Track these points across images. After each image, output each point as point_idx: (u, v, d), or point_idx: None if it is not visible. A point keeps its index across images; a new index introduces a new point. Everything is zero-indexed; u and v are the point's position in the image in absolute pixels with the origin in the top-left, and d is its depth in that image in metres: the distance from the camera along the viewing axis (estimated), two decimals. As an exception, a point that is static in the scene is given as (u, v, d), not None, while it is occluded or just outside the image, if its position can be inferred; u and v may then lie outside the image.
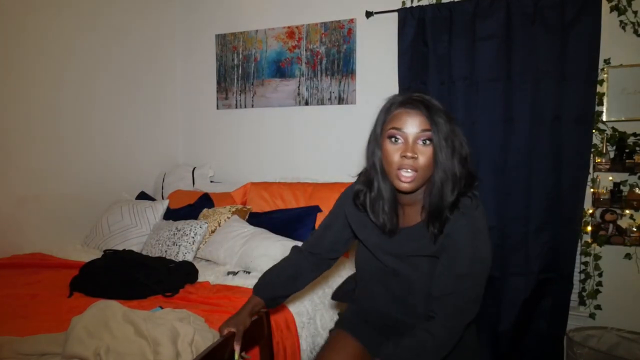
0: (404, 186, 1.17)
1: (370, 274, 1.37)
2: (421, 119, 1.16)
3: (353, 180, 1.40)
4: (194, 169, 3.30)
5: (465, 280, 1.17)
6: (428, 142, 1.16)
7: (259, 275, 1.77)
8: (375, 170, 1.25)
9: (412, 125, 1.16)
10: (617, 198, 2.31)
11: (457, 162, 1.17)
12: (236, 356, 1.28)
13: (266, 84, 3.17)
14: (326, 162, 2.99)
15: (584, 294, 2.44)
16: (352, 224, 1.38)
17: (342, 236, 1.44)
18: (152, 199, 3.04)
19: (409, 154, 1.15)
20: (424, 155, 1.16)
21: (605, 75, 2.31)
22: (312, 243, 1.49)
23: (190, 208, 2.83)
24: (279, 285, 1.45)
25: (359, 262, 1.41)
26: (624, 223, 2.34)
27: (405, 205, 1.28)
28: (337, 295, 1.61)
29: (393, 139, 1.18)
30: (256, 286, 1.45)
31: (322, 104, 2.99)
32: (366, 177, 1.29)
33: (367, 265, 1.37)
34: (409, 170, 1.15)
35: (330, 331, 1.50)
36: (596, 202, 2.37)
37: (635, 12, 2.24)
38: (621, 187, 2.31)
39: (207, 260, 2.48)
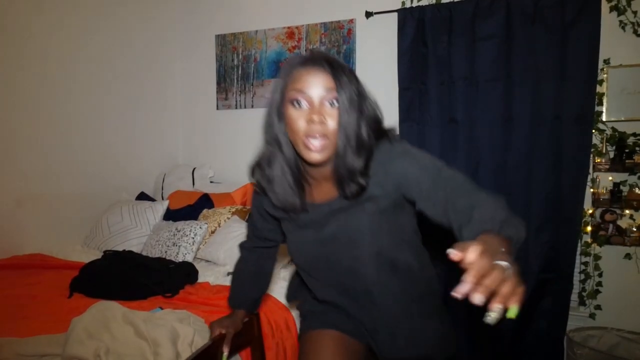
0: (314, 157, 1.02)
1: (308, 263, 1.23)
2: (326, 77, 1.02)
3: None
4: (194, 169, 3.30)
5: (449, 177, 0.98)
6: (336, 103, 1.01)
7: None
8: (276, 144, 1.09)
9: (316, 85, 1.01)
10: (616, 198, 2.30)
11: (364, 124, 1.03)
12: (223, 359, 1.28)
13: (266, 84, 3.17)
14: (326, 162, 2.98)
15: (584, 294, 2.44)
16: (270, 212, 1.24)
17: (267, 226, 1.31)
18: (152, 200, 3.04)
19: (316, 118, 1.00)
20: (333, 118, 1.01)
21: (605, 75, 2.31)
22: (250, 237, 1.39)
23: (190, 208, 2.83)
24: (249, 290, 1.41)
25: (292, 252, 1.24)
26: (623, 223, 2.34)
27: (322, 180, 1.13)
28: (291, 296, 1.48)
29: (296, 103, 1.02)
30: (231, 300, 1.42)
31: (322, 104, 2.99)
32: (265, 155, 1.13)
33: (302, 254, 1.22)
34: (318, 137, 1.00)
35: (300, 335, 1.34)
36: (596, 202, 2.37)
37: (635, 12, 2.24)
38: (621, 187, 2.31)
39: (207, 261, 2.48)
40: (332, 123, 1.01)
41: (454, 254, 0.65)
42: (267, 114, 1.10)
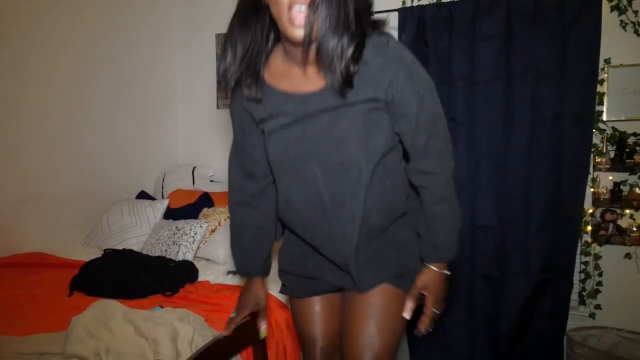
0: (297, 33, 0.94)
1: (290, 169, 1.11)
2: None
3: None
4: (194, 168, 3.30)
5: (431, 121, 1.07)
6: None
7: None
8: (252, 7, 1.02)
9: None
10: (617, 198, 2.31)
11: (352, 3, 0.94)
12: (263, 334, 1.27)
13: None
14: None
15: (584, 293, 2.44)
16: (252, 113, 1.12)
17: (254, 146, 1.18)
18: (152, 199, 3.04)
19: None
20: None
21: (606, 75, 2.31)
22: (237, 185, 1.26)
23: (190, 207, 2.83)
24: (256, 254, 1.28)
25: (274, 155, 1.12)
26: (624, 223, 2.34)
27: (308, 65, 1.04)
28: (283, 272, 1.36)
29: None
30: (240, 268, 1.31)
31: (322, 103, 2.98)
32: (232, 29, 1.04)
33: (285, 156, 1.11)
34: (302, 6, 0.92)
35: (289, 299, 1.36)
36: (596, 202, 2.37)
37: (635, 12, 2.24)
38: (621, 187, 2.31)
39: (207, 260, 2.48)
40: None
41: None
42: None
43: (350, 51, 0.95)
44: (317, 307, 1.30)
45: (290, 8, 0.93)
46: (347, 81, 0.97)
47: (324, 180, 1.08)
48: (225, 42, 1.04)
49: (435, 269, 1.16)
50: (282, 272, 1.33)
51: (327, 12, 0.92)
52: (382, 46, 1.00)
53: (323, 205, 1.10)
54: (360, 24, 0.97)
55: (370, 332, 1.15)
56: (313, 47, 0.96)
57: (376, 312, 1.15)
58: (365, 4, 1.00)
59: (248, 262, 1.28)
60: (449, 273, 1.18)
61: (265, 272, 1.31)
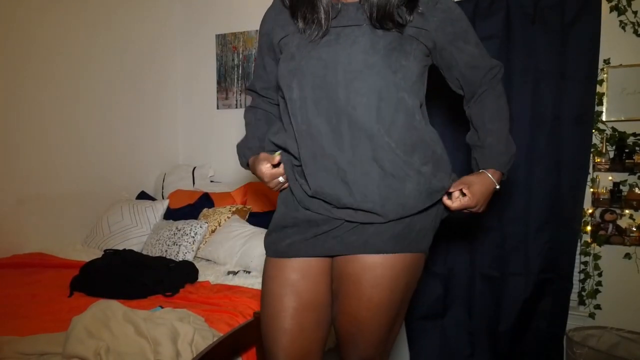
0: None
1: (307, 84, 1.09)
2: None
3: None
4: (194, 168, 3.31)
5: (476, 45, 1.17)
6: None
7: (260, 275, 1.77)
8: None
9: None
10: (616, 198, 2.31)
11: None
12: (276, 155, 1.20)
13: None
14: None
15: (584, 293, 2.44)
16: (279, 34, 1.16)
17: (276, 64, 1.21)
18: (153, 199, 3.04)
19: None
20: None
21: (605, 75, 2.32)
22: (256, 95, 1.33)
23: (190, 208, 2.84)
24: (264, 134, 1.30)
25: (293, 71, 1.11)
26: (623, 223, 2.34)
27: None
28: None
29: None
30: (249, 150, 1.31)
31: (322, 103, 2.99)
32: None
33: (306, 71, 1.09)
34: None
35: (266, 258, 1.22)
36: (596, 202, 2.37)
37: (635, 12, 2.24)
38: (621, 187, 2.31)
39: (208, 260, 2.48)
40: None
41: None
42: None
43: None
44: (293, 275, 1.14)
45: None
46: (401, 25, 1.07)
47: (334, 104, 1.08)
48: None
49: (491, 176, 1.20)
50: (266, 237, 1.25)
51: None
52: None
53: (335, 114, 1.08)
54: None
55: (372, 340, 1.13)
56: None
57: (378, 310, 1.10)
58: None
59: (257, 140, 1.32)
60: (498, 187, 1.21)
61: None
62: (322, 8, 1.07)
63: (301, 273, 1.15)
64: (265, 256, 1.24)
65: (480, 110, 1.22)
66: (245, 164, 1.33)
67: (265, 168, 1.19)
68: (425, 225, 1.16)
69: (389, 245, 1.10)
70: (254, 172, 1.26)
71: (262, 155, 1.23)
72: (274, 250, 1.21)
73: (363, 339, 1.13)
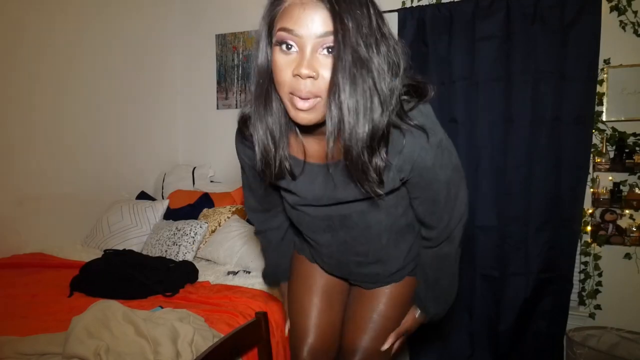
0: (302, 117, 0.83)
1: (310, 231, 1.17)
2: (324, 13, 0.78)
3: None
4: (194, 169, 3.31)
5: (450, 200, 1.04)
6: (333, 51, 0.78)
7: (259, 275, 1.77)
8: (264, 86, 0.88)
9: (309, 23, 0.78)
10: (616, 198, 2.31)
11: (385, 78, 0.80)
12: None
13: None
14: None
15: (584, 293, 2.44)
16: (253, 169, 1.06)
17: (266, 192, 1.16)
18: (152, 199, 3.04)
19: (305, 71, 0.78)
20: (328, 70, 0.79)
21: (605, 75, 2.32)
22: (256, 219, 1.30)
23: (190, 208, 2.83)
24: (283, 262, 1.37)
25: (292, 219, 1.18)
26: (623, 223, 2.34)
27: (319, 134, 0.93)
28: (272, 276, 1.39)
29: (284, 46, 0.80)
30: (273, 277, 1.39)
31: (322, 104, 2.99)
32: (256, 94, 0.89)
33: (303, 225, 1.17)
34: (305, 98, 0.80)
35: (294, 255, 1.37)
36: (596, 202, 2.37)
37: (635, 12, 2.24)
38: (621, 187, 2.31)
39: (207, 260, 2.48)
40: (327, 75, 0.79)
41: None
42: (255, 51, 0.88)
43: (380, 163, 0.85)
44: (320, 281, 1.29)
45: (292, 93, 0.82)
46: (380, 184, 0.89)
47: (341, 245, 1.16)
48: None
49: (422, 317, 1.24)
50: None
51: (350, 109, 0.78)
52: (420, 135, 0.90)
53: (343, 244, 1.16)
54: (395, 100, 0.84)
55: (368, 339, 1.22)
56: (322, 127, 0.86)
57: (378, 318, 1.22)
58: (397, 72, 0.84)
59: (278, 272, 1.37)
60: (423, 320, 1.26)
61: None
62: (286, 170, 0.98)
63: (325, 279, 1.30)
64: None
65: (429, 260, 1.20)
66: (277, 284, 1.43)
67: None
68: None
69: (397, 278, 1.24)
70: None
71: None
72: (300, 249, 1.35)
73: (367, 341, 1.24)
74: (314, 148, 0.97)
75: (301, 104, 0.81)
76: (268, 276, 1.39)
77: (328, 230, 1.12)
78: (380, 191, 0.90)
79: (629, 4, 2.24)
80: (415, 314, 1.23)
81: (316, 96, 0.81)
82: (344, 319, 1.30)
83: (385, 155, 0.86)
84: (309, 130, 0.92)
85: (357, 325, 1.24)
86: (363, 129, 0.80)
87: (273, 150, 0.91)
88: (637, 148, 2.28)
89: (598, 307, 2.41)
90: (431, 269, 1.17)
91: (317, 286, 1.28)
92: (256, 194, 1.21)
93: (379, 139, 0.83)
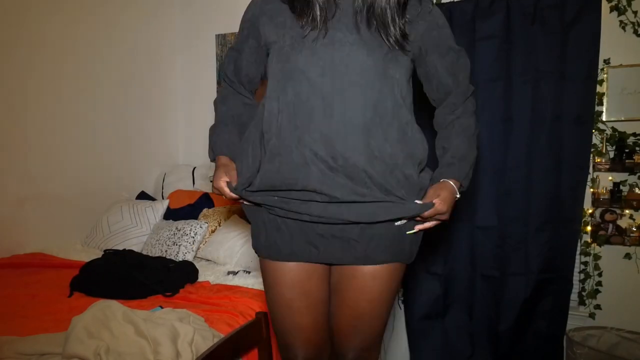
0: None
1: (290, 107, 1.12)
2: None
3: None
4: (194, 168, 3.31)
5: (461, 59, 1.26)
6: None
7: (259, 275, 1.77)
8: None
9: None
10: (616, 198, 2.31)
11: None
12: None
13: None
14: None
15: (584, 293, 2.44)
16: (266, 23, 1.18)
17: (255, 57, 1.26)
18: (152, 199, 3.04)
19: None
20: None
21: (605, 75, 2.32)
22: (229, 79, 1.33)
23: (190, 208, 2.84)
24: (234, 135, 1.36)
25: (286, 72, 1.14)
26: (623, 223, 2.34)
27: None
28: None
29: None
30: (217, 147, 1.36)
31: (322, 104, 2.98)
32: None
33: (287, 94, 1.13)
34: None
35: (261, 262, 1.24)
36: (596, 202, 2.37)
37: (635, 12, 2.24)
38: (621, 187, 2.31)
39: (207, 260, 2.48)
40: None
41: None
42: None
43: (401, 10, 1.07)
44: (293, 281, 1.17)
45: None
46: (403, 37, 1.09)
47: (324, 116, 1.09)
48: None
49: (453, 184, 1.17)
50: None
51: None
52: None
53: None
54: None
55: (364, 330, 1.18)
56: None
57: (370, 306, 1.17)
58: None
59: (226, 139, 1.37)
60: (459, 196, 1.20)
61: (233, 156, 1.34)
62: (317, 5, 1.06)
63: (307, 273, 1.19)
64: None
65: (449, 129, 1.24)
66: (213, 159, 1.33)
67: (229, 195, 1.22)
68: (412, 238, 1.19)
69: (388, 256, 1.16)
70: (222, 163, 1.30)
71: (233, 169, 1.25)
72: None
73: (362, 329, 1.19)
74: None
75: None
76: (222, 144, 1.37)
77: (320, 76, 1.07)
78: (395, 29, 1.07)
79: (629, 4, 2.24)
80: (449, 187, 1.15)
81: None
82: (331, 311, 1.22)
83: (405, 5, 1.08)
84: None
85: (347, 322, 1.19)
86: None
87: None
88: (637, 148, 2.28)
89: (598, 307, 2.41)
90: (457, 138, 1.20)
91: (292, 291, 1.17)
92: (242, 59, 1.28)
93: None
